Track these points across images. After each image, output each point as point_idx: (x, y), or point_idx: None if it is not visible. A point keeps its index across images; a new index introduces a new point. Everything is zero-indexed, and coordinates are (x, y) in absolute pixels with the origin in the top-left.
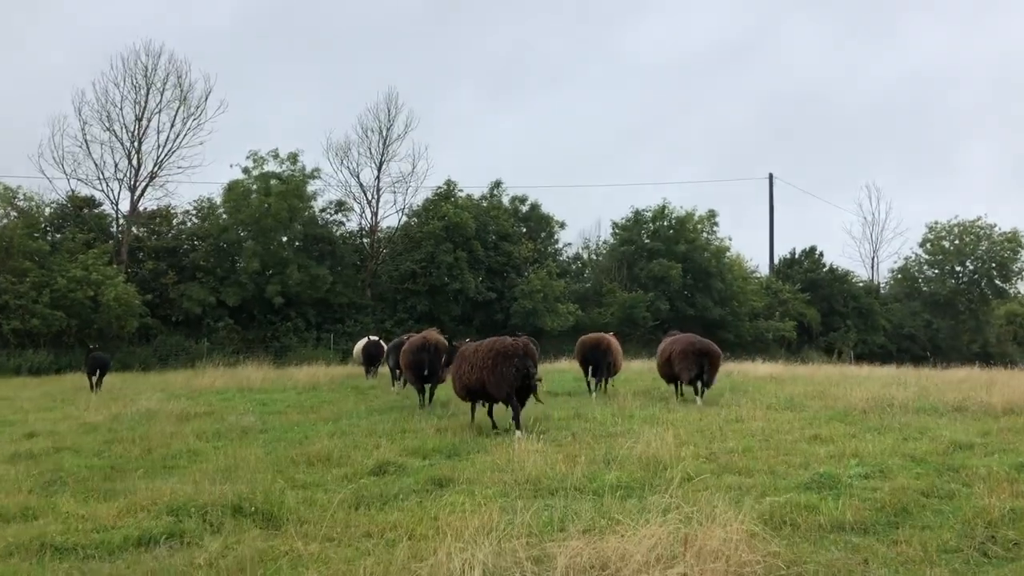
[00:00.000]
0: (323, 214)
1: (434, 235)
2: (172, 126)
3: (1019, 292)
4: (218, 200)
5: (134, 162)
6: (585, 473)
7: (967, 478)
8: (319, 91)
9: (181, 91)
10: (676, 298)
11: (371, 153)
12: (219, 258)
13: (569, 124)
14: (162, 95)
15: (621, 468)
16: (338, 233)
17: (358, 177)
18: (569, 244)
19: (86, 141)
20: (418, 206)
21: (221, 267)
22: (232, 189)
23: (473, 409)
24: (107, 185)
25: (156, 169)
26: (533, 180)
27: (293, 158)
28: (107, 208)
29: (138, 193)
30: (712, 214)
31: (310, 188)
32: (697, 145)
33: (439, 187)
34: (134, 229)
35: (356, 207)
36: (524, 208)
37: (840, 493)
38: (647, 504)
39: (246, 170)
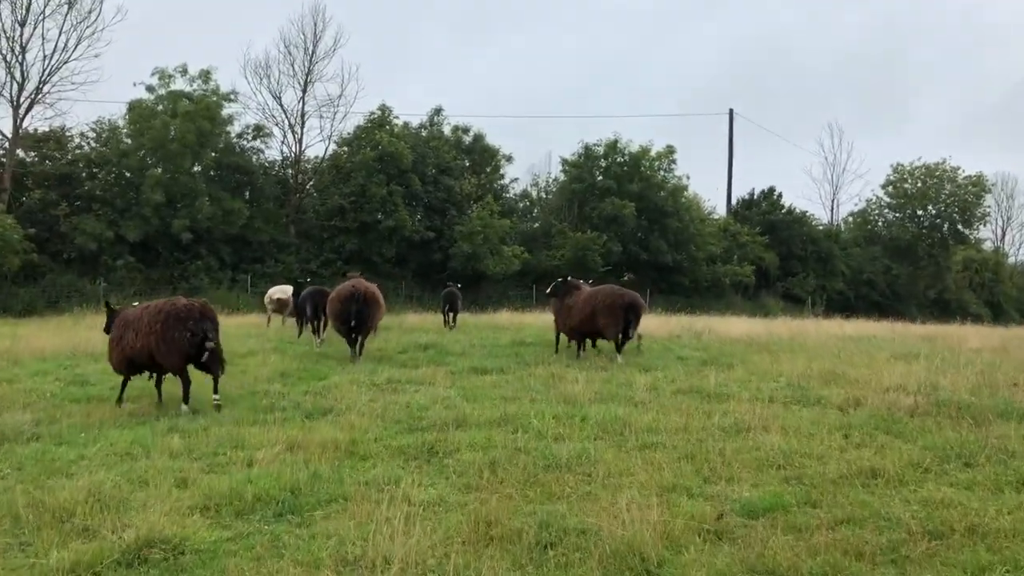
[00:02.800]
0: (240, 140)
1: (366, 166)
2: (61, 34)
3: (979, 238)
4: (121, 123)
5: (16, 75)
6: None
7: None
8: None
9: None
10: (629, 240)
11: (295, 72)
12: (120, 188)
13: (533, 64)
14: None
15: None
16: (257, 162)
17: (280, 99)
18: (516, 180)
19: None
20: (348, 134)
21: (121, 198)
22: (135, 110)
23: (124, 386)
24: None
25: (43, 84)
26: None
27: (205, 76)
28: None
29: (23, 111)
30: (670, 150)
31: (225, 111)
32: (662, 89)
33: (372, 113)
34: (20, 152)
35: (278, 133)
36: (467, 139)
37: None
38: None
39: (151, 88)
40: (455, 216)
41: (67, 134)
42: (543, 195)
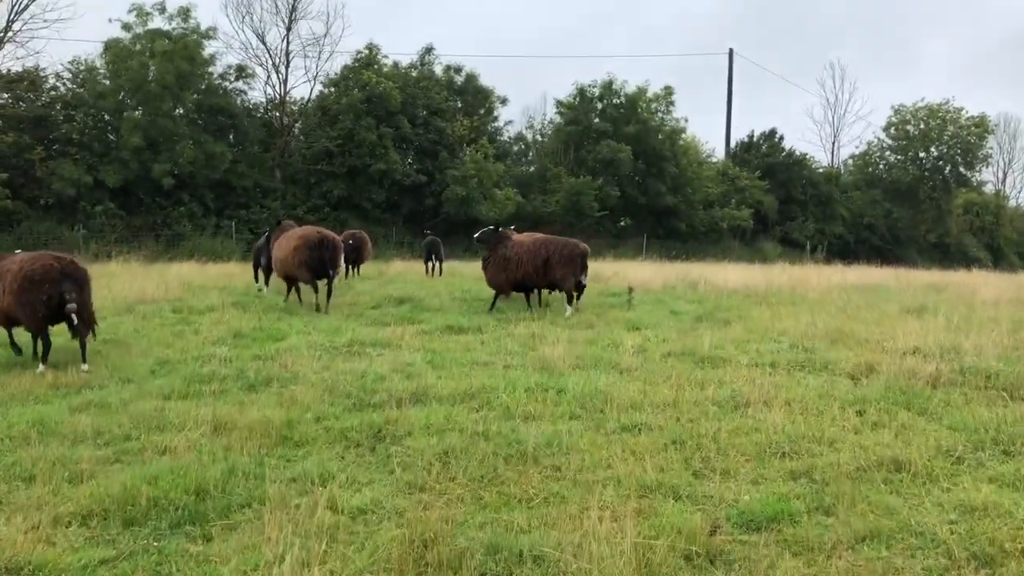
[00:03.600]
0: (222, 81)
1: (353, 108)
2: None
3: (980, 180)
4: (98, 64)
5: None
6: None
7: None
8: None
9: None
10: (626, 184)
11: (277, 8)
12: (98, 131)
13: (528, 2)
14: None
15: None
16: (240, 104)
17: (263, 38)
18: (511, 122)
19: None
20: (335, 74)
21: (100, 142)
22: (111, 49)
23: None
24: None
25: (12, 21)
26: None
27: (184, 13)
28: None
29: None
30: (668, 92)
31: (206, 51)
32: (661, 29)
33: (359, 52)
34: None
35: (261, 73)
36: (459, 80)
37: None
38: None
39: (127, 26)
40: (447, 159)
41: (41, 75)
42: (538, 138)
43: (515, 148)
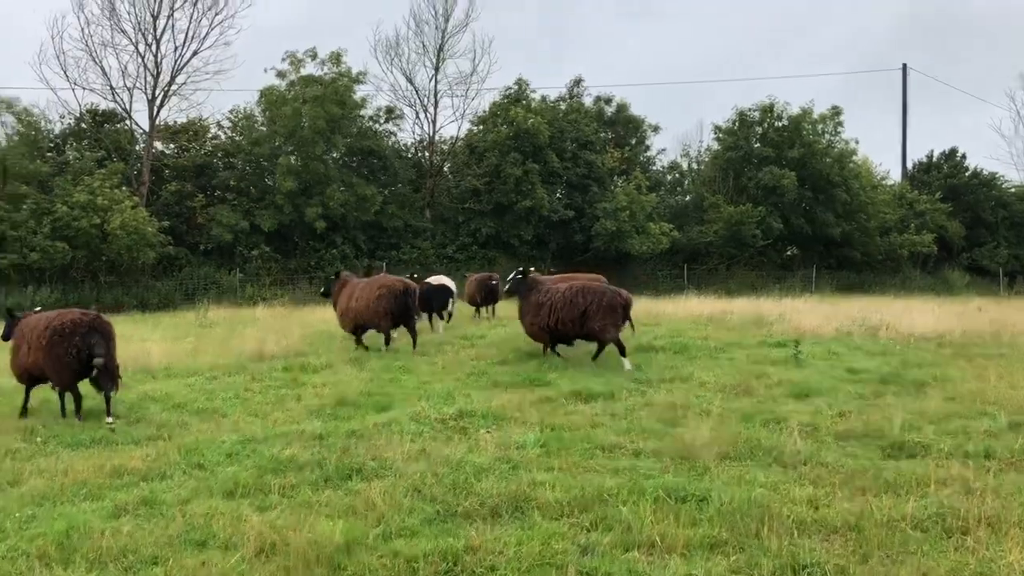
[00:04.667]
0: (372, 124)
1: (499, 144)
2: (191, 23)
3: None
4: (255, 111)
5: (151, 68)
6: None
7: None
8: None
9: None
10: (791, 212)
11: (425, 49)
12: (254, 177)
13: (680, 29)
14: None
15: None
16: (390, 145)
17: (411, 79)
18: (663, 151)
19: (88, 44)
20: (484, 111)
21: (256, 187)
22: (266, 97)
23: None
24: (119, 96)
25: (177, 74)
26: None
27: (335, 58)
28: (131, 123)
29: (159, 104)
30: (835, 112)
31: (357, 95)
32: (825, 53)
33: (508, 88)
34: (158, 145)
35: (410, 114)
36: (610, 110)
37: None
38: None
39: (282, 74)
40: (597, 193)
41: (203, 124)
42: (694, 166)
43: (669, 178)
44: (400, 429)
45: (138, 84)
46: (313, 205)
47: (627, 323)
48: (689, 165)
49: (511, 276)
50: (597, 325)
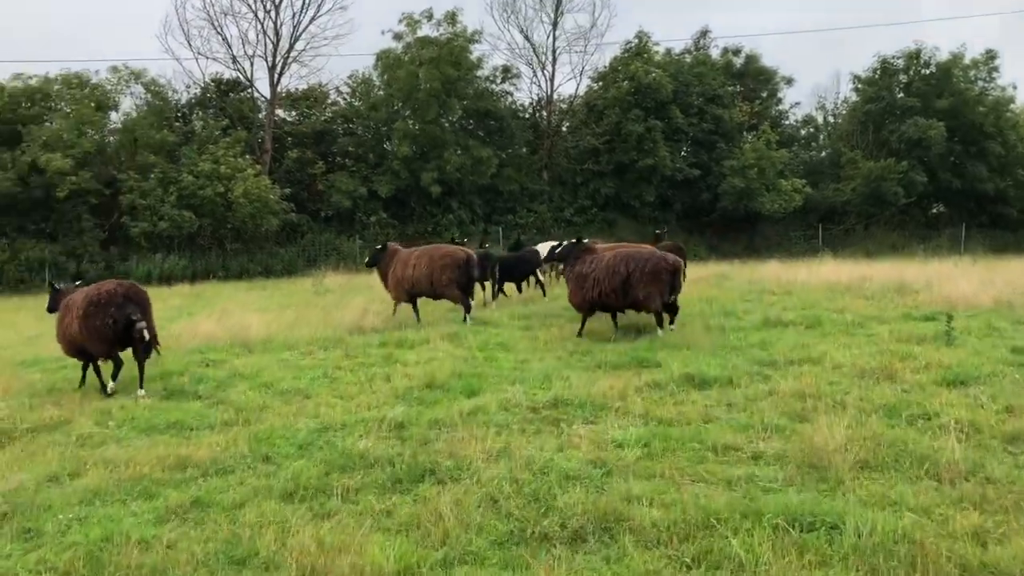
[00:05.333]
0: (488, 85)
1: (620, 101)
2: None
3: None
4: (373, 76)
5: (271, 35)
6: None
7: None
8: None
9: None
10: (938, 166)
11: (543, 3)
12: (373, 142)
13: None
14: None
15: None
16: (506, 106)
17: (528, 36)
18: (797, 104)
19: (209, 13)
20: (603, 67)
21: (374, 152)
22: (383, 60)
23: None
24: (240, 64)
25: (295, 40)
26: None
27: (451, 18)
28: (253, 92)
29: (279, 71)
30: (990, 56)
31: (473, 55)
32: None
33: (628, 42)
34: (280, 113)
35: (527, 73)
36: (739, 62)
37: None
38: None
39: (398, 36)
40: (724, 150)
41: (323, 91)
42: (830, 120)
43: (803, 132)
44: (486, 419)
45: (258, 52)
46: (429, 170)
47: (678, 285)
48: (824, 119)
49: (564, 243)
50: (641, 294)
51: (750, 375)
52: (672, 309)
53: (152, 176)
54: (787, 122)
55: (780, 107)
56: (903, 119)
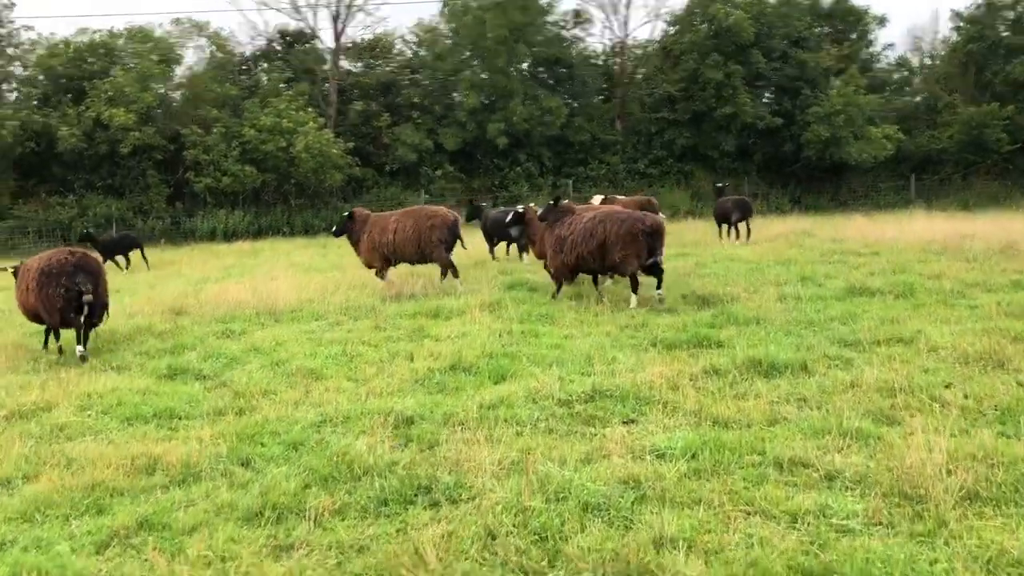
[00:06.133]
0: (557, 30)
1: (698, 45)
2: None
3: None
4: (442, 25)
5: None
6: None
7: None
8: None
9: None
10: None
11: None
12: (438, 94)
13: None
14: None
15: None
16: (576, 53)
17: None
18: (891, 46)
19: None
20: (681, 10)
21: (440, 104)
22: (449, 7)
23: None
24: (302, 14)
25: None
26: None
27: None
28: (317, 42)
29: (343, 20)
30: None
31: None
32: None
33: None
34: (346, 64)
35: (599, 17)
36: (826, 1)
37: None
38: None
39: None
40: (809, 96)
41: (388, 41)
42: (926, 62)
43: (896, 77)
44: (509, 415)
45: (321, 1)
46: (496, 121)
47: (657, 253)
48: (920, 61)
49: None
50: (618, 256)
51: (828, 360)
52: (656, 271)
53: (215, 131)
54: (878, 65)
55: (871, 50)
56: (1009, 59)
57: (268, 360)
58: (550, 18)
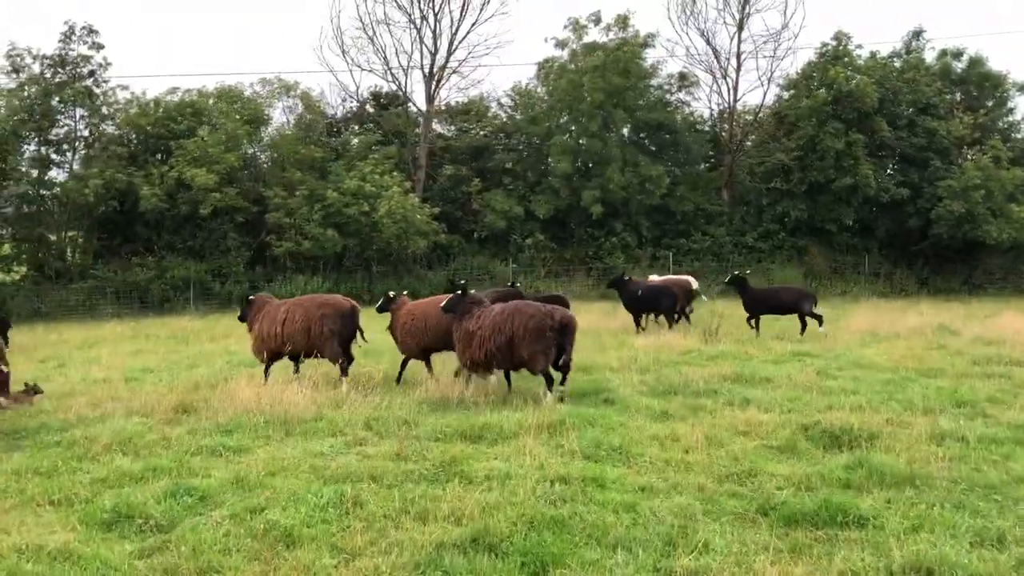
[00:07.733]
0: (662, 94)
1: (816, 111)
2: None
3: None
4: (536, 87)
5: (428, 44)
6: None
7: None
8: None
9: None
10: None
11: (727, 3)
12: (531, 159)
13: None
14: None
15: None
16: (681, 119)
17: (709, 39)
18: None
19: (364, 22)
20: (796, 74)
21: (532, 170)
22: (544, 69)
23: None
24: (395, 76)
25: (454, 49)
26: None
27: (622, 22)
28: (409, 105)
29: (436, 82)
30: None
31: (647, 61)
32: None
33: (824, 45)
34: (436, 126)
35: (706, 81)
36: (959, 66)
37: None
38: None
39: (562, 43)
40: (939, 168)
41: (484, 104)
42: None
43: None
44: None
45: (414, 63)
46: (591, 188)
47: (568, 347)
48: None
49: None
50: (526, 353)
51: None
52: (564, 368)
53: (298, 193)
54: (1018, 135)
55: (1011, 118)
56: None
57: (242, 505)
58: (654, 81)
